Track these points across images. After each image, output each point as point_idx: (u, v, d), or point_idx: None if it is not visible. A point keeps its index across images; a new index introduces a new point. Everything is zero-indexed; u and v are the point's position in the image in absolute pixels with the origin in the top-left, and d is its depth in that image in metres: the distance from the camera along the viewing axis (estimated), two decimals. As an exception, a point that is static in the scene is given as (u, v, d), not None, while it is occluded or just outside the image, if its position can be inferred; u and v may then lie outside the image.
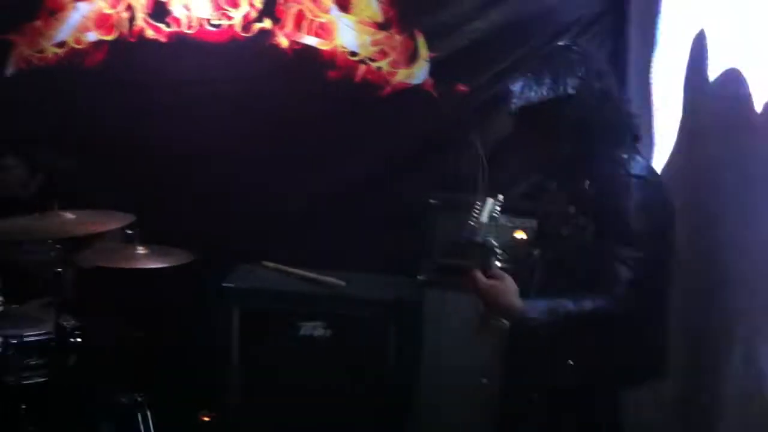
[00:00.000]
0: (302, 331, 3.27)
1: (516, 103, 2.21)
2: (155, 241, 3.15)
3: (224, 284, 3.34)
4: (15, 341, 2.88)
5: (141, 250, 3.07)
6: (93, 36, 3.82)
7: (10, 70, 3.91)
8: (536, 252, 2.28)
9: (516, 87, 2.21)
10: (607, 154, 2.18)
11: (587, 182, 2.16)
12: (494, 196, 2.19)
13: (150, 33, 3.76)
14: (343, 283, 3.33)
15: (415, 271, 3.21)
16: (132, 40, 3.77)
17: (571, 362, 2.09)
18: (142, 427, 3.09)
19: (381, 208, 3.61)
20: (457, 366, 3.04)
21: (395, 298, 3.26)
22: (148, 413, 3.10)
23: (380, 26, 3.62)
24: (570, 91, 2.14)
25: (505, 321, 2.04)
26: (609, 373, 2.14)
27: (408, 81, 3.66)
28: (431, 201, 3.29)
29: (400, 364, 3.21)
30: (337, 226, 3.60)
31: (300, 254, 3.51)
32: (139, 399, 3.13)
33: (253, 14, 3.68)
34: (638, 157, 2.22)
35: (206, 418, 3.49)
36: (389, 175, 3.65)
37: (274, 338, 3.28)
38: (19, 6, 3.87)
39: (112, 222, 3.02)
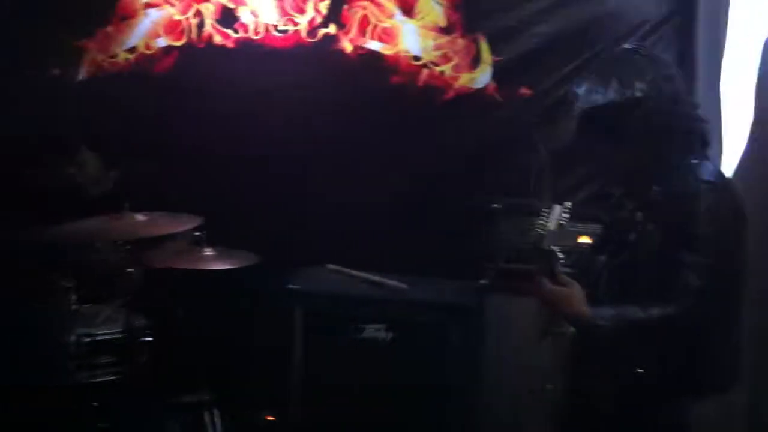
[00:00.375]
0: (364, 334, 3.28)
1: (581, 106, 2.19)
2: (222, 243, 3.21)
3: (289, 286, 3.38)
4: (88, 340, 2.96)
5: (208, 251, 3.13)
6: (163, 42, 3.92)
7: (82, 75, 4.02)
8: (602, 258, 2.26)
9: (581, 90, 2.20)
10: (676, 159, 2.15)
11: (655, 188, 2.13)
12: (561, 203, 2.18)
13: (218, 39, 3.83)
14: (405, 286, 3.34)
15: (477, 276, 3.20)
16: (200, 45, 3.85)
17: (640, 371, 2.06)
18: (209, 426, 3.15)
19: (443, 212, 3.62)
20: (520, 371, 3.02)
21: (457, 302, 3.26)
22: (215, 412, 3.16)
23: (444, 30, 3.63)
24: (637, 94, 2.11)
25: (570, 327, 2.04)
26: (676, 384, 2.11)
27: (470, 85, 3.66)
28: (494, 205, 3.28)
29: (461, 368, 3.21)
30: (399, 230, 3.61)
31: (363, 257, 3.54)
32: (207, 398, 3.19)
33: (319, 20, 3.72)
34: (707, 163, 2.19)
35: (271, 418, 3.53)
36: (451, 180, 3.66)
37: (336, 340, 3.31)
38: (91, 12, 3.99)
39: (181, 224, 3.09)
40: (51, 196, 3.35)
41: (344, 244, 3.61)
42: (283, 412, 3.46)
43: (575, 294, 2.02)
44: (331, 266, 3.57)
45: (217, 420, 3.16)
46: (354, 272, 3.50)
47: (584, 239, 2.31)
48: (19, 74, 3.91)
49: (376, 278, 3.42)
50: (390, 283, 3.38)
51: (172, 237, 3.18)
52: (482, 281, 3.17)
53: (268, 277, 3.37)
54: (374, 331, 3.29)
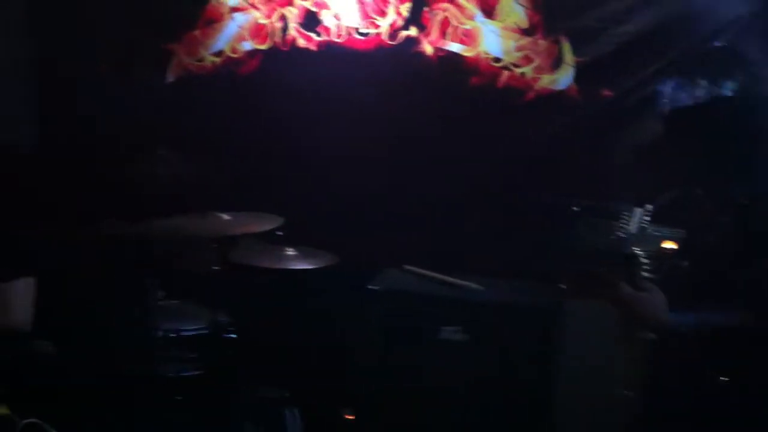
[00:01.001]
0: (442, 335, 3.29)
1: (667, 105, 2.15)
2: (303, 243, 3.26)
3: (367, 286, 3.41)
4: (173, 335, 3.06)
5: (289, 251, 3.19)
6: (248, 45, 4.01)
7: (170, 78, 4.15)
8: (685, 263, 2.22)
9: (667, 90, 2.16)
10: (764, 161, 2.09)
11: (741, 191, 2.08)
12: (642, 206, 2.15)
13: (301, 42, 3.90)
14: (482, 288, 3.34)
15: (556, 279, 3.18)
16: (284, 49, 3.93)
17: (724, 379, 2.02)
18: (289, 423, 3.21)
19: (522, 214, 3.60)
20: (597, 376, 2.98)
21: (535, 304, 3.24)
22: (295, 410, 3.22)
23: (525, 32, 3.61)
24: (727, 93, 2.06)
25: (650, 333, 2.01)
26: (759, 392, 2.05)
27: (552, 87, 3.63)
28: (573, 208, 3.24)
29: (537, 370, 3.18)
30: (477, 231, 3.61)
31: (441, 259, 3.54)
32: (287, 395, 3.26)
33: (400, 22, 3.75)
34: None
35: (350, 417, 3.57)
36: (530, 181, 3.64)
37: (414, 341, 3.32)
38: (179, 16, 4.11)
39: (263, 224, 3.16)
40: (138, 195, 3.46)
41: (422, 245, 3.63)
42: (361, 411, 3.50)
43: (656, 300, 1.99)
44: (409, 267, 3.58)
45: (297, 417, 3.21)
46: (431, 273, 3.51)
47: (667, 244, 2.26)
48: (109, 76, 4.06)
49: (453, 280, 3.42)
50: (467, 284, 3.37)
51: (254, 236, 3.25)
52: (561, 285, 3.14)
53: (347, 277, 3.41)
54: (451, 332, 3.29)
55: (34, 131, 4.28)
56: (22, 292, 1.76)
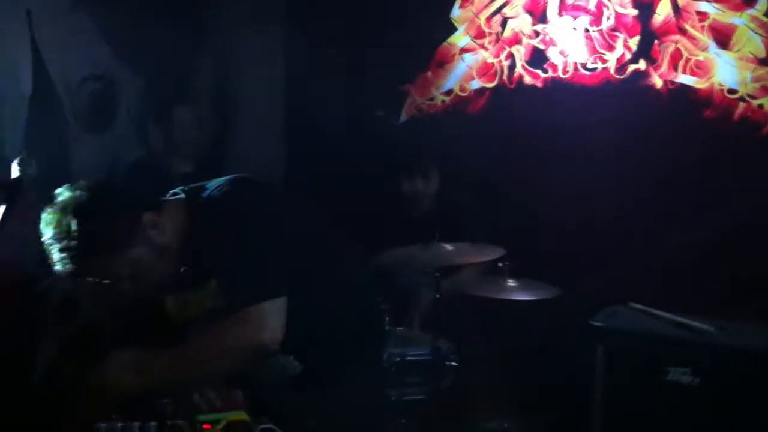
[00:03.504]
0: (669, 377, 3.16)
1: None
2: (524, 275, 3.30)
3: (591, 322, 3.36)
4: (398, 359, 3.19)
5: (511, 282, 3.23)
6: (476, 84, 4.15)
7: (403, 117, 4.38)
8: None
9: None
10: None
11: None
12: None
13: (528, 79, 3.97)
14: (713, 329, 3.18)
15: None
16: (511, 86, 4.02)
17: None
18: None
19: (753, 252, 3.39)
20: None
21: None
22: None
23: (762, 62, 3.43)
24: None
25: None
26: None
27: (792, 119, 3.42)
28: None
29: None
30: (706, 270, 3.45)
31: (668, 298, 3.42)
32: (505, 425, 3.29)
33: (628, 56, 3.71)
34: None
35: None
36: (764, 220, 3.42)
37: (638, 381, 3.22)
38: (413, 59, 4.34)
39: (485, 255, 3.23)
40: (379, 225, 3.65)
41: (649, 283, 3.53)
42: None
43: None
44: (635, 305, 3.49)
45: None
46: (658, 312, 3.39)
47: None
48: (348, 115, 4.36)
49: (682, 319, 3.29)
50: (697, 325, 3.23)
51: (476, 266, 3.33)
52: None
53: (569, 312, 3.39)
54: (679, 374, 3.16)
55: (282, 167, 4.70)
56: (277, 312, 1.96)
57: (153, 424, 1.84)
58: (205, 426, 1.88)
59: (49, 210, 1.89)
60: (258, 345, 1.92)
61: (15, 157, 1.96)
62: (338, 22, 4.56)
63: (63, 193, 1.91)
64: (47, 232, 1.88)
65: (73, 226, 1.84)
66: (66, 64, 4.08)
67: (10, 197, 1.90)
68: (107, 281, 1.93)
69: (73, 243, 1.84)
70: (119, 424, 1.83)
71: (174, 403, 1.98)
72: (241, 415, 1.93)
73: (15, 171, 1.92)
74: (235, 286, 1.94)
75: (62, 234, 1.85)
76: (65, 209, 1.87)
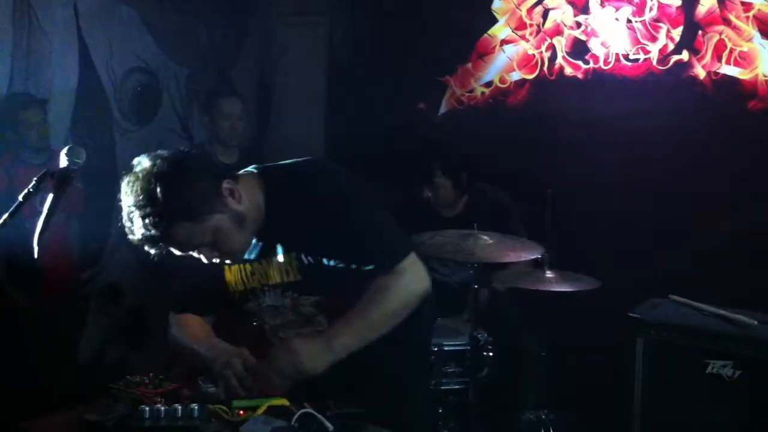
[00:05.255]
0: (709, 369, 3.13)
1: None
2: (565, 266, 3.29)
3: (630, 314, 3.34)
4: (436, 349, 3.21)
5: (549, 274, 3.23)
6: (516, 75, 4.14)
7: (443, 109, 4.39)
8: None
9: None
10: None
11: None
12: None
13: (568, 70, 3.96)
14: (755, 322, 3.14)
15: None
16: (551, 78, 4.00)
17: None
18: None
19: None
20: None
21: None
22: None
23: (809, 52, 3.39)
24: None
25: None
26: None
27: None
28: None
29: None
30: (749, 264, 3.41)
31: (709, 291, 3.39)
32: (543, 416, 3.29)
33: (671, 47, 3.68)
34: None
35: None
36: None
37: (678, 373, 3.20)
38: (454, 51, 4.34)
39: (524, 252, 3.22)
40: (409, 216, 3.66)
41: (689, 275, 3.50)
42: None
43: None
44: (675, 297, 3.46)
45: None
46: (699, 305, 3.36)
47: None
48: (389, 107, 4.37)
49: (723, 312, 3.25)
50: (738, 318, 3.19)
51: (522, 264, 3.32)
52: None
53: (609, 304, 3.37)
54: (720, 367, 3.13)
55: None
56: (420, 260, 2.09)
57: (194, 406, 1.88)
58: (241, 413, 1.92)
59: (130, 178, 1.90)
60: (424, 289, 2.09)
61: (63, 147, 1.99)
62: (380, 14, 4.57)
63: (142, 162, 1.92)
64: (128, 199, 1.89)
65: (158, 192, 1.85)
66: (112, 57, 4.15)
67: (58, 186, 1.93)
68: (188, 250, 1.96)
69: (157, 209, 1.86)
70: (162, 408, 1.87)
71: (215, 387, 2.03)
72: (282, 401, 1.97)
73: (63, 161, 1.95)
74: (382, 248, 2.06)
75: (146, 200, 1.86)
76: (147, 176, 1.88)
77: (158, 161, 1.91)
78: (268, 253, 2.11)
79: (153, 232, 1.88)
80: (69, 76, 3.99)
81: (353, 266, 2.05)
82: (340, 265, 2.06)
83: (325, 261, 2.06)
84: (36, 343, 3.64)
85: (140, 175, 1.90)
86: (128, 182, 1.91)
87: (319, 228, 2.01)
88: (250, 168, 2.12)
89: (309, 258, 2.07)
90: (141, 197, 1.87)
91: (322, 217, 2.01)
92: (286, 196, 2.04)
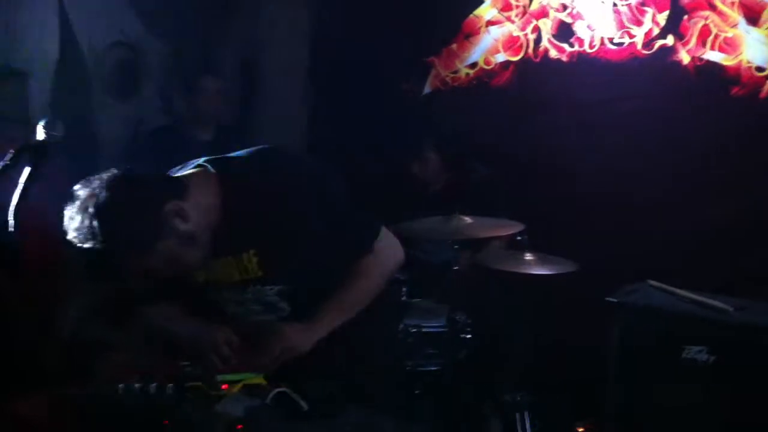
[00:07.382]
0: (684, 354, 3.16)
1: None
2: (543, 249, 3.29)
3: (608, 298, 3.36)
4: (414, 330, 3.21)
5: (528, 256, 3.24)
6: (501, 57, 4.13)
7: (427, 89, 4.37)
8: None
9: None
10: None
11: None
12: None
13: (553, 53, 3.94)
14: (731, 308, 3.16)
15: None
16: (536, 60, 3.99)
17: None
18: (519, 426, 3.24)
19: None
20: None
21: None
22: (526, 414, 3.24)
23: (793, 40, 3.39)
24: None
25: None
26: None
27: (822, 98, 3.37)
28: None
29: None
30: (727, 249, 3.43)
31: (687, 277, 3.41)
32: (519, 398, 3.30)
33: (656, 31, 3.67)
34: None
35: (581, 430, 3.53)
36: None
37: (654, 358, 3.22)
38: (439, 31, 4.32)
39: (504, 228, 3.23)
40: (396, 192, 3.67)
41: (668, 261, 3.52)
42: (595, 427, 3.45)
43: None
44: (653, 282, 3.48)
45: (527, 423, 3.24)
46: (677, 290, 3.38)
47: None
48: (374, 87, 4.35)
49: (701, 298, 3.27)
50: (715, 303, 3.21)
51: (495, 240, 3.33)
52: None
53: (586, 287, 3.38)
54: (695, 352, 3.15)
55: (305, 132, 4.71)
56: (391, 234, 2.24)
57: (170, 385, 1.87)
58: (224, 386, 1.92)
59: (70, 209, 1.87)
60: (400, 258, 2.24)
61: (41, 120, 1.96)
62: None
63: (81, 192, 1.88)
64: (71, 232, 1.86)
65: (97, 229, 1.82)
66: (93, 30, 4.10)
67: (35, 159, 1.90)
68: (139, 275, 1.96)
69: (99, 245, 1.83)
70: (137, 385, 1.87)
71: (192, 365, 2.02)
72: (259, 379, 1.97)
73: (40, 133, 1.92)
74: (358, 231, 2.15)
75: (87, 235, 1.83)
76: (85, 213, 1.84)
77: (97, 191, 1.86)
78: (226, 252, 2.06)
79: (98, 261, 1.87)
80: (50, 49, 3.94)
81: (325, 254, 2.05)
82: (309, 255, 2.04)
83: (291, 253, 2.03)
84: (18, 322, 3.62)
85: (80, 207, 1.86)
86: (69, 216, 1.87)
87: (286, 221, 1.99)
88: (202, 161, 2.05)
89: (273, 253, 2.03)
90: (81, 232, 1.85)
91: (288, 210, 1.98)
92: (244, 192, 1.99)
